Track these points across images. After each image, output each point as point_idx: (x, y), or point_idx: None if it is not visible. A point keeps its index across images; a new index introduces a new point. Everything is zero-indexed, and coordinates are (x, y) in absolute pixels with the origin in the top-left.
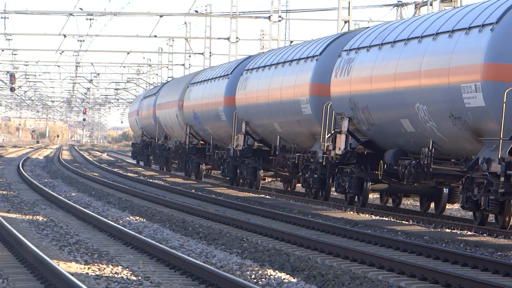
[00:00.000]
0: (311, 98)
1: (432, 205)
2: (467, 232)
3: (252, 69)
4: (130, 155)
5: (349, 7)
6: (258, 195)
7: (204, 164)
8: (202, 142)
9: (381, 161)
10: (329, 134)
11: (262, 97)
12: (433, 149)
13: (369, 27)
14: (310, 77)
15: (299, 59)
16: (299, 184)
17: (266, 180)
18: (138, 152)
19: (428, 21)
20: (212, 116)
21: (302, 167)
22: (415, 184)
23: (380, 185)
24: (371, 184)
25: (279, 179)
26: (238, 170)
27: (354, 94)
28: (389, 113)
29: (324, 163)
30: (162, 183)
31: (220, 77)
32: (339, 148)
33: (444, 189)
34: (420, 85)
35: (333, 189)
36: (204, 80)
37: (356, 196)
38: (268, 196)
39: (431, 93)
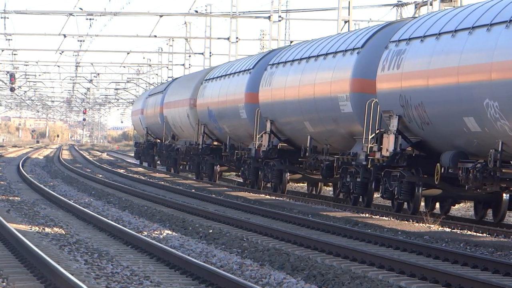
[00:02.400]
0: (351, 95)
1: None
2: (467, 232)
3: (278, 63)
4: (133, 155)
5: (349, 7)
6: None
7: (219, 166)
8: (215, 143)
9: (438, 164)
10: (373, 134)
11: (291, 93)
12: (502, 151)
13: (421, 15)
14: (351, 72)
15: (336, 52)
16: (325, 187)
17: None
18: (142, 152)
19: (497, 6)
20: (231, 114)
21: (340, 171)
22: (478, 189)
23: (433, 191)
24: (423, 190)
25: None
26: (260, 173)
27: (406, 90)
28: (450, 111)
29: (369, 166)
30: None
31: (240, 72)
32: (387, 150)
33: (504, 194)
34: (490, 79)
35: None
36: (221, 76)
37: (406, 203)
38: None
39: (505, 88)
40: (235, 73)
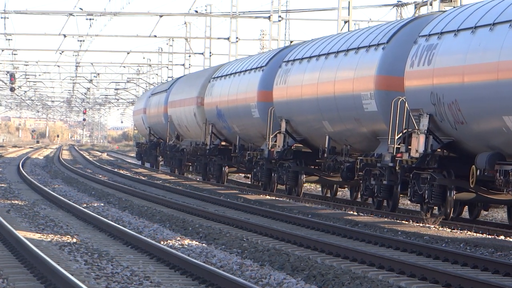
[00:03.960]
0: (376, 93)
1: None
2: (467, 232)
3: (294, 60)
4: (133, 155)
5: (349, 7)
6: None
7: (227, 167)
8: (223, 143)
9: (474, 166)
10: (400, 134)
11: (308, 91)
12: None
13: (454, 7)
14: (376, 69)
15: (358, 48)
16: (341, 189)
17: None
18: (145, 152)
19: None
20: (242, 113)
21: (363, 173)
22: None
23: (466, 194)
24: (455, 193)
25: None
26: (273, 174)
27: (438, 87)
28: (488, 109)
29: (397, 168)
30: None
31: (251, 69)
32: (416, 151)
33: None
34: None
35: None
36: (231, 74)
37: (437, 207)
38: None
39: None
40: (246, 70)
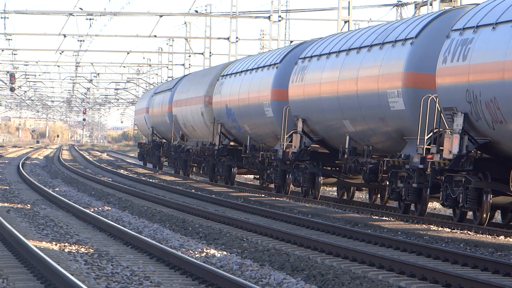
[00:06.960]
0: (404, 91)
1: None
2: (467, 232)
3: (311, 57)
4: (133, 155)
5: (349, 7)
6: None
7: (236, 168)
8: (232, 143)
9: None
10: (430, 134)
11: (327, 89)
12: None
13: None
14: (404, 65)
15: (383, 43)
16: (357, 192)
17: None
18: (147, 153)
19: None
20: (254, 112)
21: (389, 175)
22: None
23: (504, 198)
24: (491, 197)
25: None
26: (288, 176)
27: (475, 84)
28: None
29: (428, 170)
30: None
31: (264, 67)
32: (450, 152)
33: None
34: None
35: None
36: (241, 71)
37: (472, 212)
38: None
39: None
40: (258, 68)
